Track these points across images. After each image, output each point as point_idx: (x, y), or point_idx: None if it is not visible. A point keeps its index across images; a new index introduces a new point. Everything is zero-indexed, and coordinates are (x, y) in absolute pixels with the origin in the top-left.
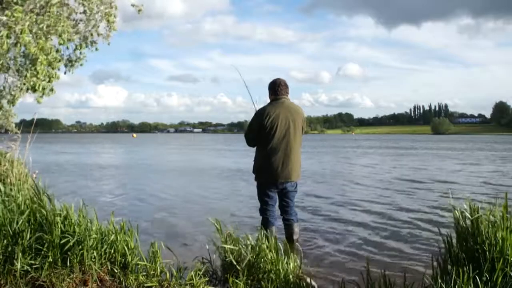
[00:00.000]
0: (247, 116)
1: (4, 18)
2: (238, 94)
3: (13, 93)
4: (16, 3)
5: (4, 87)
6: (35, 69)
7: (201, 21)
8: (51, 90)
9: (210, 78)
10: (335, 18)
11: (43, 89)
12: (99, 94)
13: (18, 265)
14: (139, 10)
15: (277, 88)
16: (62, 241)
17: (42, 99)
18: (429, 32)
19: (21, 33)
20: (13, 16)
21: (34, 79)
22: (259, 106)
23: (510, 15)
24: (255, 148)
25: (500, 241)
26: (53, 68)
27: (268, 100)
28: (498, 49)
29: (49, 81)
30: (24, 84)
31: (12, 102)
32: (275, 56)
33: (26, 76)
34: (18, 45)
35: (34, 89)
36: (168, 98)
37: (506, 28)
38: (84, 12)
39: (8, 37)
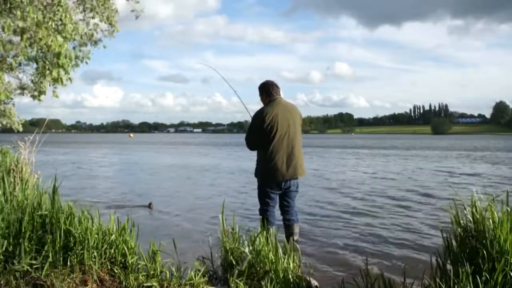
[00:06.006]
0: (245, 116)
1: (21, 23)
2: (233, 94)
3: (39, 87)
4: (23, 2)
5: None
6: (58, 63)
7: (193, 22)
8: (70, 79)
9: (204, 79)
10: (320, 20)
11: (69, 78)
12: (94, 94)
13: (19, 265)
14: (138, 15)
15: (270, 89)
16: (64, 241)
17: (57, 93)
18: (416, 33)
19: (41, 39)
20: (26, 18)
21: (57, 70)
22: (252, 106)
23: (490, 16)
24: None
25: (501, 240)
26: (70, 59)
27: (259, 102)
28: (490, 50)
29: (66, 72)
30: (47, 76)
31: (39, 94)
32: (268, 56)
33: (48, 69)
34: (36, 45)
35: (57, 80)
36: (163, 98)
37: (493, 29)
38: (84, 10)
39: (31, 46)
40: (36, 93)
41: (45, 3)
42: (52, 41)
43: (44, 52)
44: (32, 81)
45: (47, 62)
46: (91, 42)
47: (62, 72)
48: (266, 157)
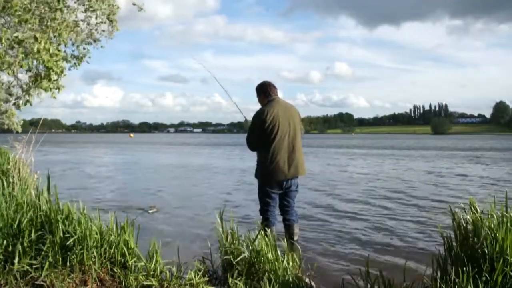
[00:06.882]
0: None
1: (20, 34)
2: (232, 94)
3: (27, 97)
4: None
5: (13, 86)
6: (49, 76)
7: (192, 22)
8: (62, 86)
9: (203, 79)
10: (320, 20)
11: (58, 88)
12: (94, 94)
13: (17, 265)
14: (140, 9)
15: (268, 89)
16: (64, 241)
17: (56, 94)
18: (416, 33)
19: (38, 52)
20: (20, 23)
21: (46, 82)
22: (251, 106)
23: (490, 16)
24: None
25: (500, 240)
26: (61, 72)
27: (257, 103)
28: (489, 50)
29: (57, 79)
30: (37, 86)
31: (28, 101)
32: (268, 56)
33: (39, 80)
34: (31, 56)
35: (46, 90)
36: (163, 98)
37: (493, 29)
38: (86, 10)
39: (26, 58)
40: (20, 102)
41: (43, 10)
42: (46, 53)
43: (38, 63)
44: (25, 86)
45: (39, 71)
46: (89, 42)
47: (54, 76)
48: (267, 157)
